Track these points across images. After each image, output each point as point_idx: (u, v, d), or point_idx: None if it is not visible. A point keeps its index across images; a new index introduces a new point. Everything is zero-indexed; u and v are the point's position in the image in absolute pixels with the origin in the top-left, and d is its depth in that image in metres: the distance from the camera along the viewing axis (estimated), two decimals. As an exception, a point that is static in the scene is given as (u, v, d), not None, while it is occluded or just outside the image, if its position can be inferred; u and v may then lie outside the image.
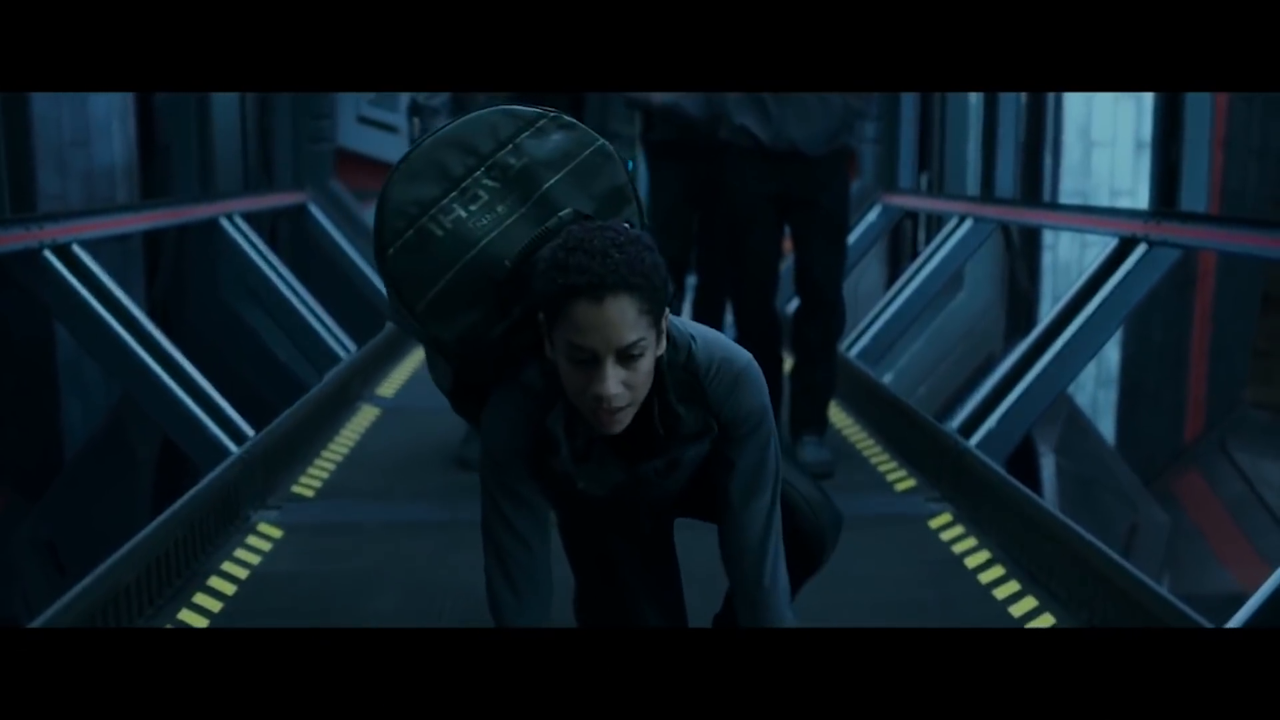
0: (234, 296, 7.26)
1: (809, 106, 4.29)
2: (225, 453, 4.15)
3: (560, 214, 2.12)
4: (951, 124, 7.51)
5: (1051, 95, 7.89)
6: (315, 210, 7.88)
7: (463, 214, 2.11)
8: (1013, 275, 8.09)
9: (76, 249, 4.37)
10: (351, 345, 6.77)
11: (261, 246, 6.47)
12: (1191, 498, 9.21)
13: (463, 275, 2.10)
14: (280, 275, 6.39)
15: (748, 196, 4.37)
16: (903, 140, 7.84)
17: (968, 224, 6.03)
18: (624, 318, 1.95)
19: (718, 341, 2.19)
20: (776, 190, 4.38)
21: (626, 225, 2.06)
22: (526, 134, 2.15)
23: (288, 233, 8.20)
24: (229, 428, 4.35)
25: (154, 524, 3.35)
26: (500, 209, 2.12)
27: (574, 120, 2.19)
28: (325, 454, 4.83)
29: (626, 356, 1.98)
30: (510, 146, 2.14)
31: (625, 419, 2.04)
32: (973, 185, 7.61)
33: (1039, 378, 4.16)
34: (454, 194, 2.11)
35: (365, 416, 5.58)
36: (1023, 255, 8.06)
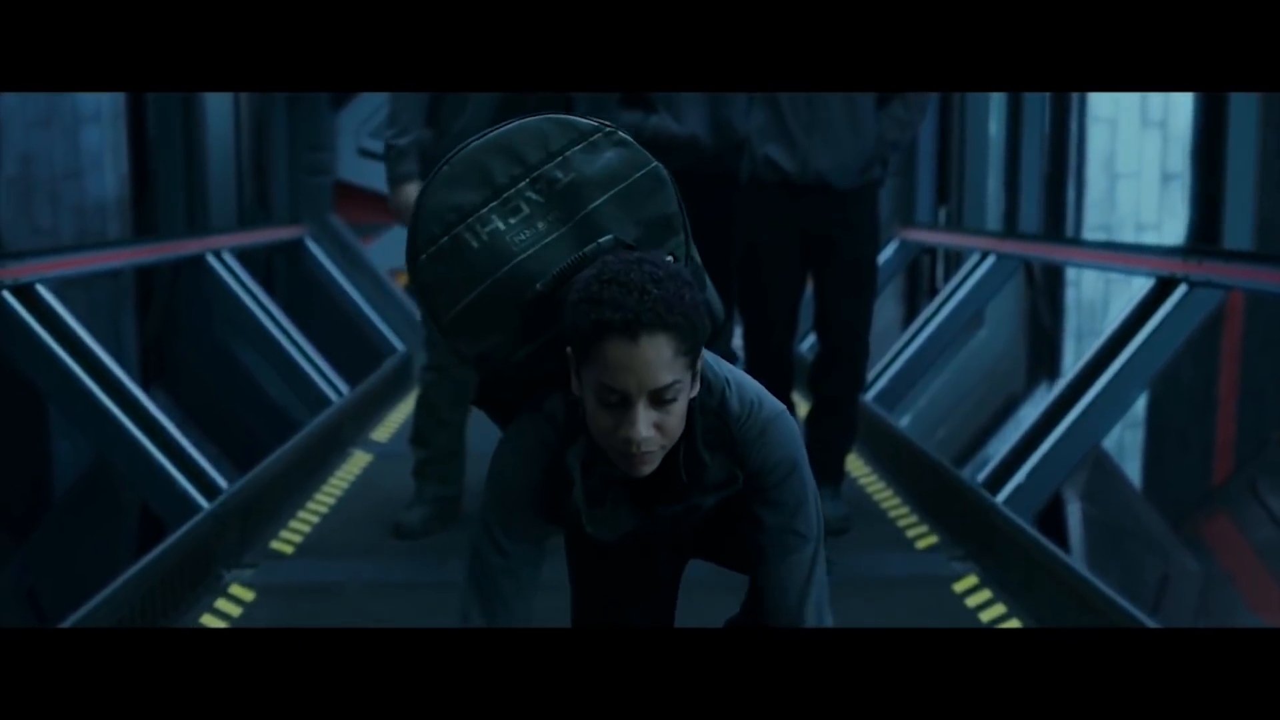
0: (228, 334, 7.02)
1: (839, 136, 3.98)
2: (196, 508, 3.88)
3: (600, 240, 1.99)
4: (971, 156, 7.25)
5: (1075, 125, 7.61)
6: (312, 245, 7.64)
7: (501, 226, 2.01)
8: (1035, 312, 7.79)
9: (41, 290, 4.09)
10: (344, 387, 6.51)
11: (250, 284, 6.22)
12: (1220, 542, 8.96)
13: (492, 291, 2.00)
14: (270, 314, 6.13)
15: (770, 232, 4.06)
16: (921, 172, 7.57)
17: (989, 261, 5.75)
18: (659, 358, 1.83)
19: (752, 387, 2.07)
20: (801, 226, 4.08)
21: (670, 258, 1.96)
22: (578, 147, 2.04)
23: (284, 268, 7.96)
24: (201, 481, 4.06)
25: (111, 587, 3.09)
26: (540, 225, 2.02)
27: (630, 139, 2.06)
28: (310, 505, 4.56)
29: (659, 399, 1.87)
30: (560, 159, 2.03)
31: (654, 462, 1.94)
32: (994, 220, 7.35)
33: (1070, 430, 3.86)
34: (495, 204, 2.02)
35: (356, 463, 5.31)
36: (1045, 291, 7.77)
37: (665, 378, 1.85)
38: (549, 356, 2.01)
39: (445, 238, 2.01)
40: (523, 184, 2.02)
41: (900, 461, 4.83)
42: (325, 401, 6.14)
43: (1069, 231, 7.55)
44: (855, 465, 5.09)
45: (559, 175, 2.02)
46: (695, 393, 1.94)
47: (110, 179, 7.57)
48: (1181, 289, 3.83)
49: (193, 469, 4.06)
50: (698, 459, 2.01)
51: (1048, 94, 6.65)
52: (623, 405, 1.86)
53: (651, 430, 1.87)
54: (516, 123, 2.05)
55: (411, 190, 3.87)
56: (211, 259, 5.99)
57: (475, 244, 2.01)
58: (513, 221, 2.01)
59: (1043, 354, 7.78)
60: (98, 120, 7.67)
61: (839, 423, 4.22)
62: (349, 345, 7.57)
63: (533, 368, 2.04)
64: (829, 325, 4.18)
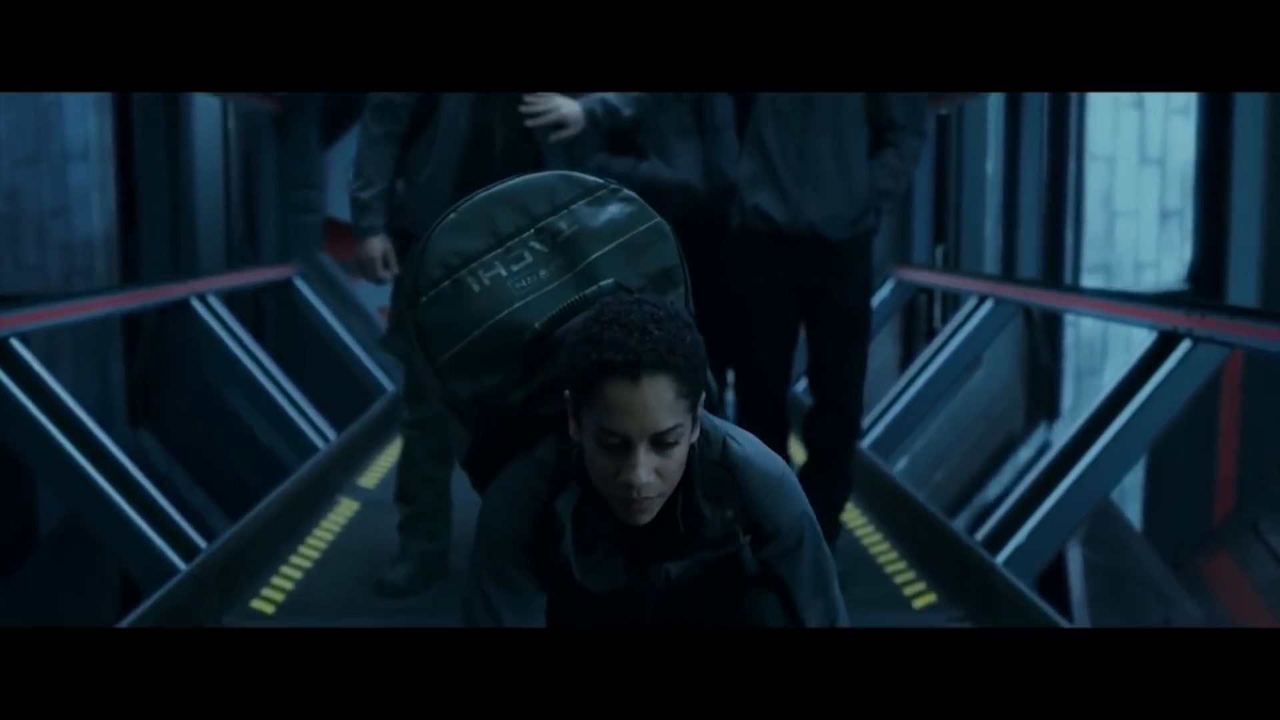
0: (217, 377, 6.91)
1: (830, 185, 3.89)
2: (174, 570, 3.77)
3: (600, 284, 2.01)
4: (968, 195, 7.17)
5: (1072, 163, 7.53)
6: (301, 284, 7.54)
7: (503, 273, 2.02)
8: (1033, 352, 7.70)
9: (15, 345, 3.99)
10: (331, 432, 6.40)
11: (236, 328, 6.12)
12: (1222, 581, 8.88)
13: (490, 335, 2.00)
14: (256, 359, 6.02)
15: (761, 283, 3.97)
16: (917, 211, 7.49)
17: (988, 305, 5.65)
18: (660, 401, 1.81)
19: (754, 443, 2.03)
20: (792, 277, 3.98)
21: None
22: (583, 201, 2.07)
23: (273, 307, 7.86)
24: (180, 542, 3.95)
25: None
26: (542, 274, 2.03)
27: (636, 196, 2.10)
28: (293, 560, 4.46)
29: (661, 443, 1.83)
30: (564, 212, 2.06)
31: (653, 510, 1.89)
32: (991, 258, 7.26)
33: (1073, 488, 3.77)
34: (498, 251, 2.03)
35: (343, 512, 5.20)
36: (1043, 330, 7.68)
37: (667, 420, 1.82)
38: (545, 400, 1.99)
39: (447, 281, 2.01)
40: (527, 234, 2.04)
41: (897, 514, 4.73)
42: (312, 449, 6.03)
43: (1067, 269, 7.47)
44: (851, 515, 4.99)
45: (562, 227, 2.04)
46: (695, 438, 1.91)
47: (98, 217, 7.49)
48: (1185, 345, 3.74)
49: (171, 530, 3.94)
50: (696, 511, 1.96)
51: (1045, 131, 6.56)
52: (623, 449, 1.83)
53: (652, 475, 1.84)
54: (523, 178, 2.07)
55: (375, 244, 3.82)
56: (196, 303, 5.88)
57: (476, 288, 2.01)
58: (515, 269, 2.02)
59: (1041, 394, 7.68)
60: (85, 158, 7.58)
61: (835, 477, 4.12)
62: (339, 385, 7.47)
63: (528, 412, 2.01)
64: (822, 377, 4.08)
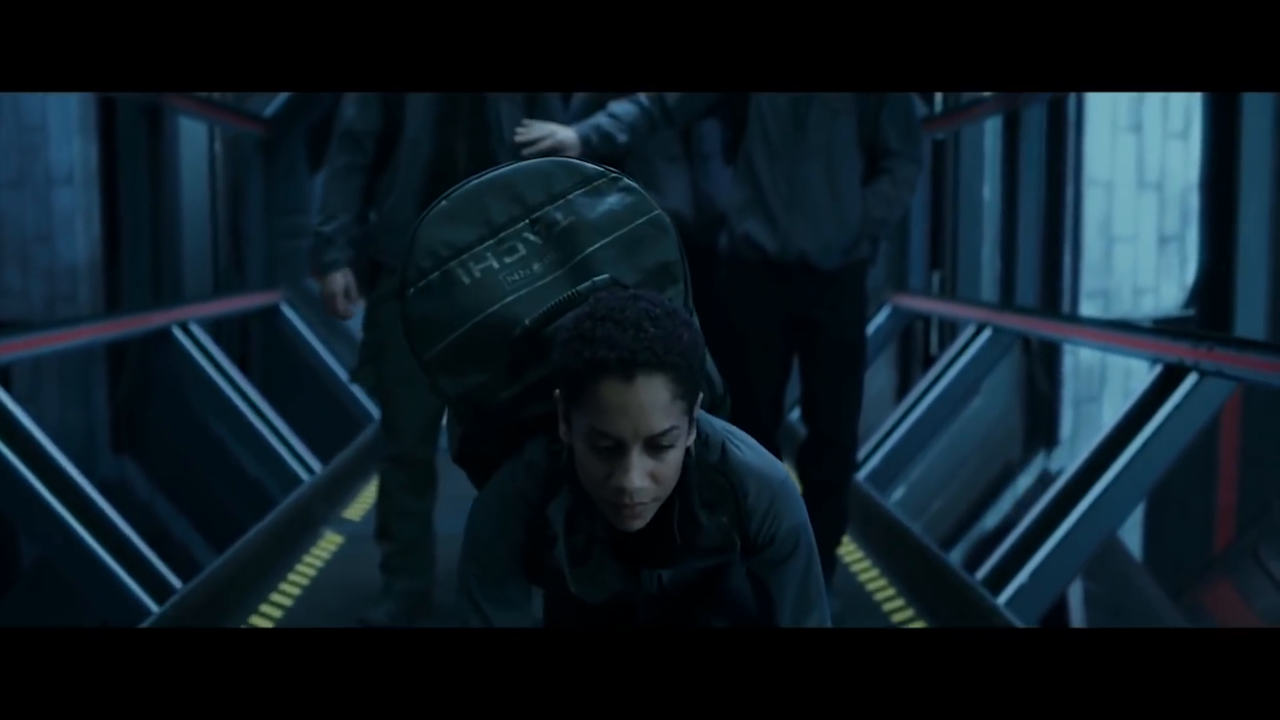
0: (202, 404, 6.78)
1: (821, 214, 3.78)
2: (146, 613, 3.64)
3: (595, 279, 1.91)
4: (964, 220, 7.07)
5: (1070, 188, 7.44)
6: (288, 310, 7.42)
7: (494, 265, 1.94)
8: (1031, 378, 7.59)
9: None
10: (316, 463, 6.27)
11: (219, 356, 6.00)
12: (1223, 609, 8.82)
13: (480, 330, 1.92)
14: (238, 388, 5.90)
15: (752, 314, 3.85)
16: (913, 236, 7.39)
17: (986, 334, 5.54)
18: (655, 401, 1.72)
19: (755, 448, 1.95)
20: (784, 308, 3.87)
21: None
22: (580, 191, 1.97)
23: (260, 334, 7.75)
24: (152, 583, 3.82)
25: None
26: (536, 267, 1.94)
27: (635, 185, 1.99)
28: (274, 598, 4.33)
29: (655, 446, 1.75)
30: (560, 202, 1.96)
31: (647, 516, 1.81)
32: (989, 284, 7.16)
33: (1076, 527, 3.65)
34: (490, 242, 1.95)
35: (325, 546, 5.08)
36: (1041, 357, 7.58)
37: (662, 422, 1.74)
38: (535, 400, 1.91)
39: (435, 273, 1.93)
40: (521, 224, 1.96)
41: (896, 549, 4.61)
42: (296, 481, 5.91)
43: (1065, 296, 7.37)
44: (848, 548, 4.87)
45: (558, 217, 1.95)
46: (691, 441, 1.82)
47: (82, 242, 7.39)
48: (1191, 378, 3.62)
49: (144, 571, 3.81)
50: (693, 519, 1.88)
51: (1043, 154, 6.46)
52: (616, 452, 1.75)
53: (646, 480, 1.76)
54: (519, 165, 2.00)
55: (336, 280, 3.77)
56: (178, 332, 5.76)
57: (466, 280, 1.93)
58: (507, 261, 1.94)
59: (1040, 421, 7.58)
60: (70, 182, 7.49)
61: (830, 512, 4.00)
62: (326, 413, 7.36)
63: (517, 411, 1.93)
64: (817, 411, 3.97)
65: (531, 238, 1.95)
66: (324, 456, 6.59)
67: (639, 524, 1.81)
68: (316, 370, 7.47)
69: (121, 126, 5.92)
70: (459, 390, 1.93)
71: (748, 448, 1.94)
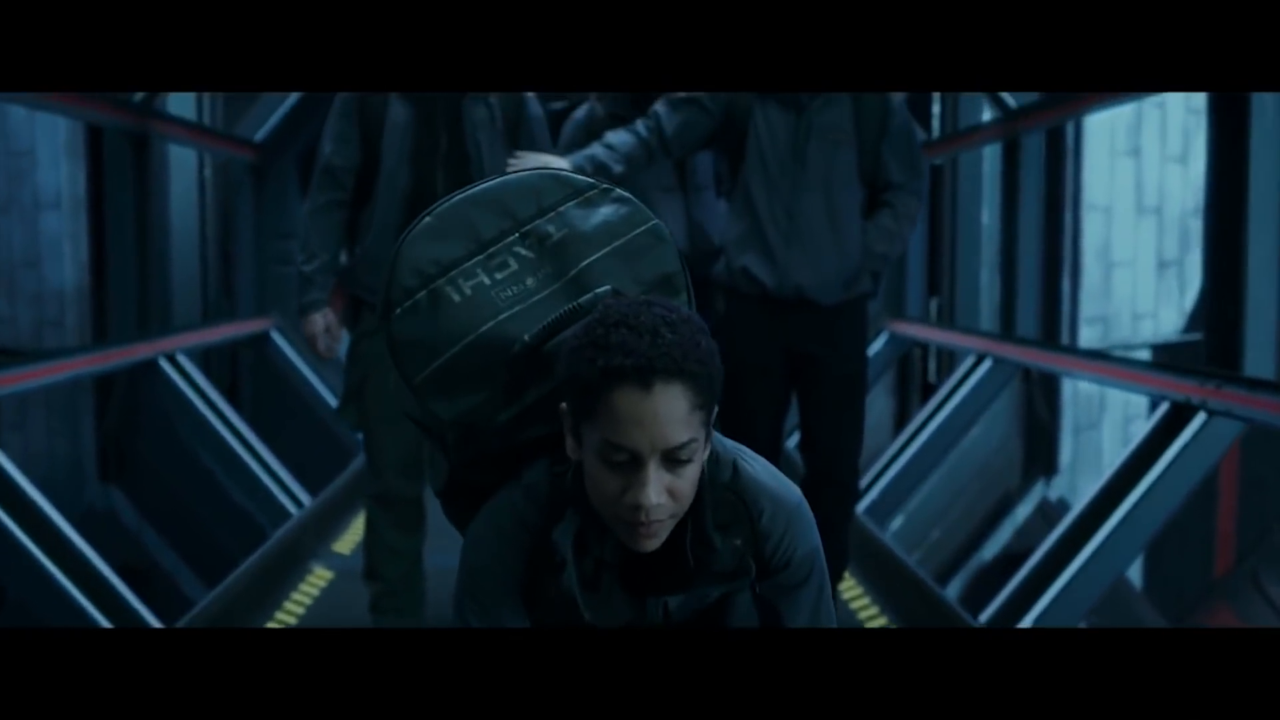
0: (190, 434, 6.69)
1: (820, 248, 3.70)
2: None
3: (596, 291, 1.82)
4: (963, 246, 6.99)
5: (1069, 214, 7.37)
6: (279, 338, 7.33)
7: (486, 281, 1.84)
8: (1030, 406, 7.52)
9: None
10: (305, 496, 6.18)
11: (207, 388, 5.91)
12: (1223, 636, 8.67)
13: (473, 350, 1.82)
14: (227, 421, 5.81)
15: (751, 349, 3.76)
16: (911, 263, 7.31)
17: (986, 365, 5.45)
18: (674, 412, 1.64)
19: (767, 468, 1.86)
20: (782, 342, 3.79)
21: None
22: (573, 203, 1.88)
23: (250, 361, 7.65)
24: (132, 624, 3.71)
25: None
26: (530, 282, 1.85)
27: (629, 195, 1.92)
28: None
29: (673, 460, 1.66)
30: (552, 214, 1.88)
31: (663, 535, 1.72)
32: (988, 310, 7.08)
33: (1081, 571, 3.56)
34: (480, 257, 1.85)
35: (314, 582, 4.99)
36: (1041, 385, 7.50)
37: (680, 435, 1.65)
38: (535, 421, 1.82)
39: (423, 292, 1.83)
40: (511, 238, 1.86)
41: (894, 587, 4.52)
42: (285, 515, 5.81)
43: (1064, 321, 7.30)
44: (846, 584, 4.78)
45: (550, 230, 1.87)
46: (707, 455, 1.73)
47: (70, 268, 7.31)
48: (1200, 418, 3.53)
49: (123, 614, 3.70)
50: (706, 540, 1.77)
51: (1041, 179, 6.38)
52: (631, 466, 1.65)
53: (663, 496, 1.66)
54: (507, 177, 1.92)
55: (316, 320, 3.73)
56: (165, 364, 5.66)
57: (457, 298, 1.83)
58: (499, 277, 1.85)
59: (1039, 449, 7.50)
60: (58, 207, 7.41)
61: (829, 550, 3.91)
62: (317, 440, 7.27)
63: (515, 434, 1.83)
64: (815, 449, 3.89)
65: (523, 252, 1.86)
66: (315, 485, 6.50)
67: (655, 544, 1.72)
68: (307, 398, 7.38)
69: (108, 154, 5.83)
70: (453, 414, 1.83)
71: (761, 467, 1.85)
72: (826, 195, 3.74)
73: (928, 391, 7.81)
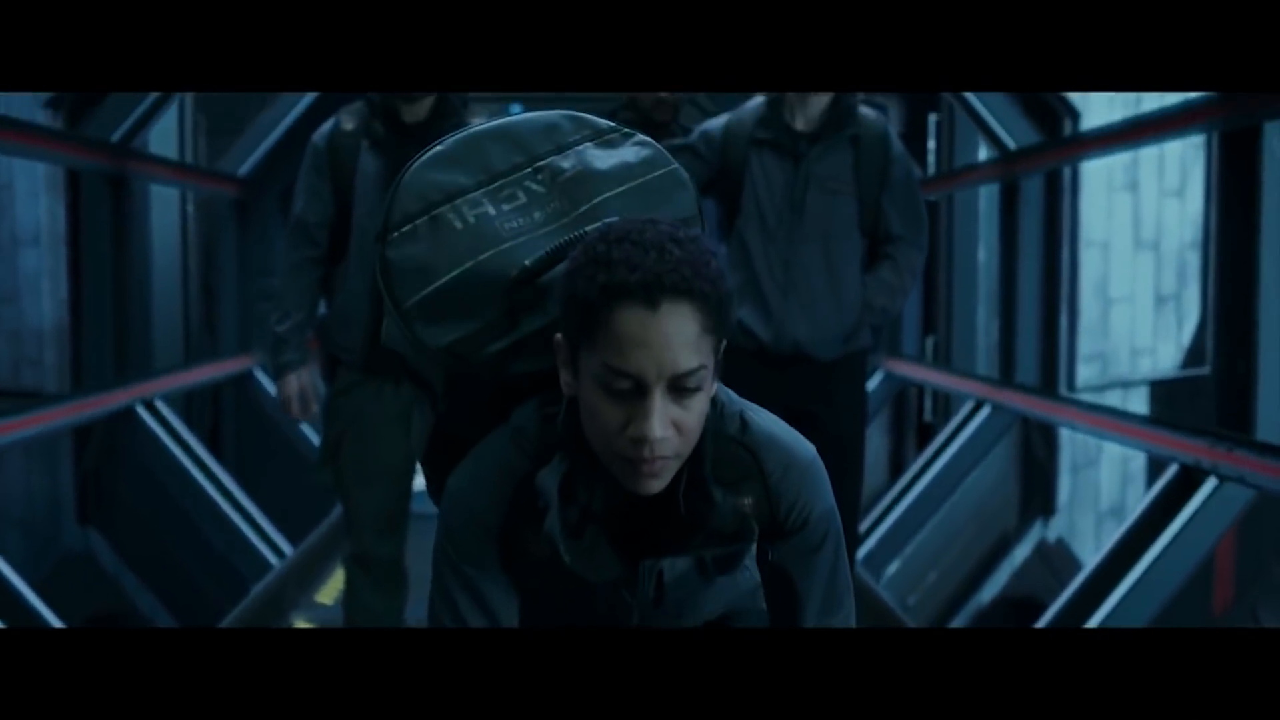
0: (170, 481, 6.56)
1: (818, 301, 3.60)
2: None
3: (606, 220, 1.67)
4: (959, 284, 6.88)
5: (1066, 250, 7.26)
6: (263, 377, 7.20)
7: (491, 211, 1.74)
8: (1027, 445, 7.40)
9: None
10: (286, 546, 6.04)
11: (186, 435, 5.77)
12: (1223, 675, 8.56)
13: (469, 277, 1.70)
14: (205, 469, 5.68)
15: None
16: (907, 301, 7.20)
17: (984, 413, 5.33)
18: (682, 334, 1.53)
19: (778, 421, 1.75)
20: (778, 399, 3.67)
21: None
22: (591, 143, 1.80)
23: (232, 400, 7.51)
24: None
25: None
26: (537, 215, 1.74)
27: (653, 141, 1.83)
28: (236, 701, 4.09)
29: (680, 389, 1.54)
30: (569, 151, 1.79)
31: (667, 476, 1.58)
32: (984, 350, 6.97)
33: (1089, 642, 3.40)
34: (489, 188, 1.76)
35: (295, 639, 4.85)
36: (1038, 424, 7.39)
37: (689, 360, 1.53)
38: (528, 354, 1.70)
39: (424, 216, 1.73)
40: (524, 172, 1.77)
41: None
42: (266, 567, 5.68)
43: (1063, 365, 7.18)
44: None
45: (564, 165, 1.77)
46: (714, 392, 1.62)
47: (49, 305, 7.18)
48: (1210, 482, 3.41)
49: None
50: (703, 492, 1.63)
51: (1040, 222, 6.27)
52: (635, 395, 1.53)
53: (669, 429, 1.54)
54: (525, 115, 1.84)
55: (291, 382, 3.65)
56: (142, 410, 5.52)
57: (459, 225, 1.73)
58: (505, 208, 1.75)
59: (1036, 489, 7.38)
60: (37, 243, 7.28)
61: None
62: (301, 482, 7.12)
63: (506, 367, 1.70)
64: None
65: (534, 186, 1.77)
66: (298, 527, 6.38)
67: (658, 485, 1.58)
68: (291, 437, 7.25)
69: (85, 194, 5.70)
70: (443, 342, 1.70)
71: (770, 420, 1.73)
72: (825, 246, 3.65)
73: (923, 430, 7.69)
